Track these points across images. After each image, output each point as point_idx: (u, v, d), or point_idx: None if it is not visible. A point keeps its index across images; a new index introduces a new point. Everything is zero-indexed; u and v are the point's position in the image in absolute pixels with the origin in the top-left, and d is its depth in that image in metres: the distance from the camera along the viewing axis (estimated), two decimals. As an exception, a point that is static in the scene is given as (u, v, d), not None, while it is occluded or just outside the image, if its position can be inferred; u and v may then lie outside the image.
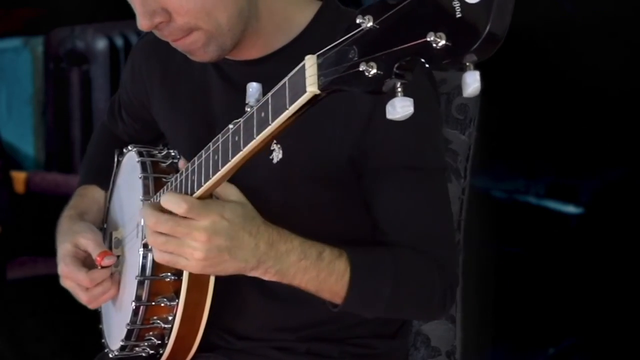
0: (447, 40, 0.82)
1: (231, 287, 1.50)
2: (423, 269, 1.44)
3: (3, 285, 2.91)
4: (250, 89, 1.16)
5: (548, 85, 2.84)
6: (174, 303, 1.45)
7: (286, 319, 1.56)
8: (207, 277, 1.45)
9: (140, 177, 1.52)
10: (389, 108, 0.90)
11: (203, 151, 1.26)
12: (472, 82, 0.83)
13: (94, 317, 1.72)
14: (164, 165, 1.55)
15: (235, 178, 1.26)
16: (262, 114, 1.09)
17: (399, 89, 0.89)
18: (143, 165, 1.54)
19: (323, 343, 1.56)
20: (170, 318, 1.46)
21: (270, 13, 1.43)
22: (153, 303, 1.46)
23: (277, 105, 1.06)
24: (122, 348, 1.52)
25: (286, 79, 1.05)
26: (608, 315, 2.81)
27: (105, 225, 1.73)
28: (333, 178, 1.46)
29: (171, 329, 1.46)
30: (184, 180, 1.32)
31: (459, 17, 0.81)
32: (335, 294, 1.39)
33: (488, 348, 2.86)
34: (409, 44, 0.86)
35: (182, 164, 1.43)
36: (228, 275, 1.33)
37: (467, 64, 0.83)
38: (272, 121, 1.07)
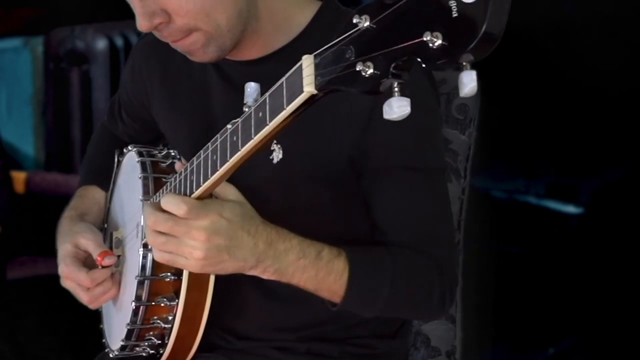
0: (443, 40, 0.82)
1: (231, 287, 1.50)
2: (422, 268, 1.44)
3: (3, 285, 2.91)
4: (249, 89, 1.16)
5: (548, 85, 2.84)
6: (174, 303, 1.45)
7: (286, 319, 1.56)
8: (207, 277, 1.45)
9: (140, 177, 1.52)
10: (386, 108, 0.90)
11: (202, 151, 1.26)
12: (468, 82, 0.83)
13: (94, 317, 1.72)
14: (163, 165, 1.56)
15: (236, 178, 1.26)
16: (260, 114, 1.09)
17: (396, 89, 0.89)
18: (143, 165, 1.54)
19: (323, 343, 1.56)
20: (170, 318, 1.46)
21: (269, 13, 1.43)
22: (153, 303, 1.47)
23: (274, 105, 1.06)
24: (123, 348, 1.53)
25: (283, 79, 1.05)
26: (608, 315, 2.80)
27: (105, 225, 1.73)
28: (333, 178, 1.46)
29: (171, 328, 1.46)
30: (183, 180, 1.33)
31: (455, 17, 0.81)
32: (334, 293, 1.39)
33: (488, 348, 2.86)
34: (405, 44, 0.86)
35: (178, 166, 1.43)
36: (228, 274, 1.33)
37: (464, 63, 0.83)
38: (270, 121, 1.07)
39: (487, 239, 2.65)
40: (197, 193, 1.27)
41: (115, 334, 1.59)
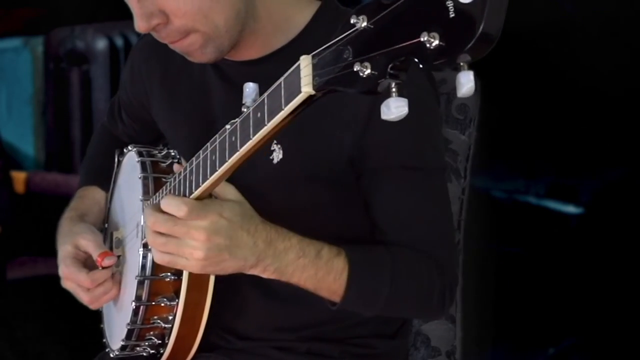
0: (440, 40, 0.82)
1: (231, 286, 1.50)
2: (422, 268, 1.44)
3: (3, 285, 2.91)
4: (247, 89, 1.16)
5: (548, 85, 2.84)
6: (174, 303, 1.45)
7: (286, 319, 1.56)
8: (207, 276, 1.45)
9: (140, 177, 1.52)
10: (383, 108, 0.90)
11: (201, 151, 1.26)
12: (466, 82, 0.83)
13: (94, 317, 1.72)
14: (163, 165, 1.56)
15: (236, 178, 1.26)
16: (259, 114, 1.09)
17: (394, 89, 0.89)
18: (143, 165, 1.54)
19: (323, 343, 1.56)
20: (170, 318, 1.47)
21: (268, 13, 1.43)
22: (153, 303, 1.47)
23: (272, 105, 1.06)
24: (123, 348, 1.53)
25: (282, 79, 1.05)
26: (608, 315, 2.80)
27: (106, 226, 1.74)
28: (333, 178, 1.46)
29: (171, 328, 1.47)
30: (182, 181, 1.33)
31: (452, 17, 0.81)
32: (334, 292, 1.39)
33: (488, 348, 2.86)
34: (402, 44, 0.86)
35: (177, 167, 1.43)
36: (228, 274, 1.34)
37: (462, 63, 0.83)
38: (268, 122, 1.07)
39: (487, 239, 2.65)
40: (196, 193, 1.27)
41: (115, 333, 1.59)
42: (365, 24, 0.91)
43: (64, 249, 1.59)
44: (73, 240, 1.59)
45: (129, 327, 1.48)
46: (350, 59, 0.92)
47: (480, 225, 1.86)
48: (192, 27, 1.36)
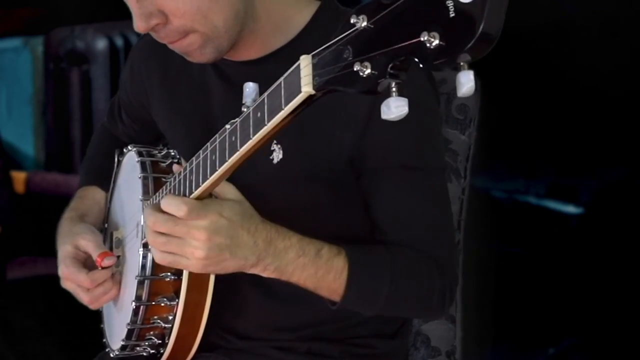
0: (440, 40, 0.82)
1: (231, 286, 1.50)
2: (422, 268, 1.44)
3: (3, 285, 2.91)
4: (247, 89, 1.16)
5: (548, 85, 2.84)
6: (174, 303, 1.45)
7: (286, 319, 1.56)
8: (207, 276, 1.45)
9: (139, 177, 1.53)
10: (383, 108, 0.90)
11: (201, 151, 1.26)
12: (466, 82, 0.83)
13: (94, 317, 1.72)
14: (163, 165, 1.56)
15: (236, 178, 1.26)
16: (259, 114, 1.09)
17: (394, 89, 0.89)
18: (142, 165, 1.54)
19: (323, 343, 1.56)
20: (170, 318, 1.47)
21: (268, 14, 1.43)
22: (153, 303, 1.47)
23: (272, 105, 1.06)
24: (123, 348, 1.53)
25: (282, 79, 1.05)
26: (608, 315, 2.80)
27: (106, 226, 1.74)
28: (333, 178, 1.46)
29: (171, 328, 1.47)
30: (182, 180, 1.33)
31: (453, 17, 0.81)
32: (334, 292, 1.39)
33: (488, 348, 2.86)
34: (402, 44, 0.86)
35: (176, 168, 1.43)
36: (228, 274, 1.34)
37: (462, 63, 0.83)
38: (268, 121, 1.07)
39: (487, 239, 2.65)
40: (196, 193, 1.27)
41: (115, 333, 1.59)
42: (365, 23, 0.91)
43: (64, 249, 1.59)
44: (73, 240, 1.59)
45: (129, 327, 1.48)
46: (350, 58, 0.92)
47: (480, 225, 1.86)
48: (191, 27, 1.35)
